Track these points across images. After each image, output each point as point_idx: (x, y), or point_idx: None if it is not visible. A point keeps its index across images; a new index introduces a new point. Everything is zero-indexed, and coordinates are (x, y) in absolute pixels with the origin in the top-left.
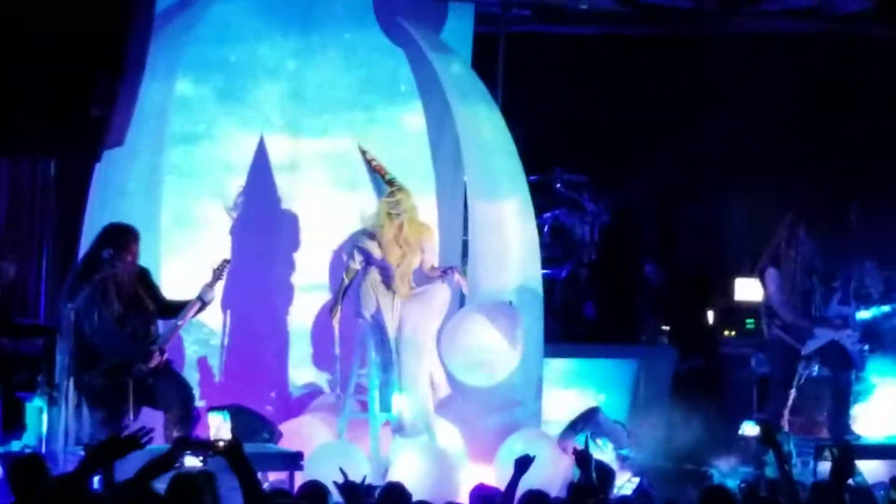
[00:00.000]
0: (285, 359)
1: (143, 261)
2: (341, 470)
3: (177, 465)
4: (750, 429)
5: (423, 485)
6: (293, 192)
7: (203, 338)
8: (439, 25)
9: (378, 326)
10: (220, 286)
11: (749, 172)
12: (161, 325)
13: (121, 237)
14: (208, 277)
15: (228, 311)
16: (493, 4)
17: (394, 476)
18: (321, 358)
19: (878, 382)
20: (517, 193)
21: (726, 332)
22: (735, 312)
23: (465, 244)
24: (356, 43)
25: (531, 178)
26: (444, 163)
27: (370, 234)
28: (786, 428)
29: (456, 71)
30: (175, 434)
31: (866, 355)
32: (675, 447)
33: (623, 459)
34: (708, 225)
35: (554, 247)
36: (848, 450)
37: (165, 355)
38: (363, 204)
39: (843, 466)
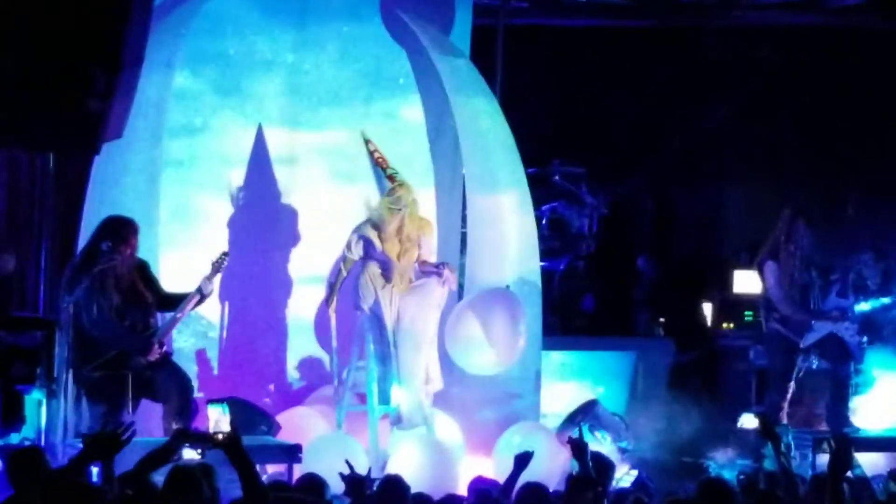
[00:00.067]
0: (284, 351)
1: (142, 253)
2: (347, 462)
3: (175, 457)
4: (748, 421)
5: (421, 477)
6: (291, 185)
7: (201, 330)
8: (438, 18)
9: (376, 319)
10: (218, 279)
11: (747, 165)
12: (160, 318)
13: (120, 230)
14: (207, 270)
15: (227, 304)
16: None
17: (392, 468)
18: (320, 350)
19: (878, 375)
20: (516, 186)
21: (725, 325)
22: (733, 305)
23: (463, 237)
24: (354, 36)
25: (529, 170)
26: (442, 155)
27: (374, 225)
28: (784, 420)
29: (454, 63)
30: (174, 426)
31: (865, 347)
32: (673, 439)
33: (621, 452)
34: (706, 217)
35: (552, 239)
36: (846, 442)
37: (164, 348)
38: (362, 197)
39: (841, 459)
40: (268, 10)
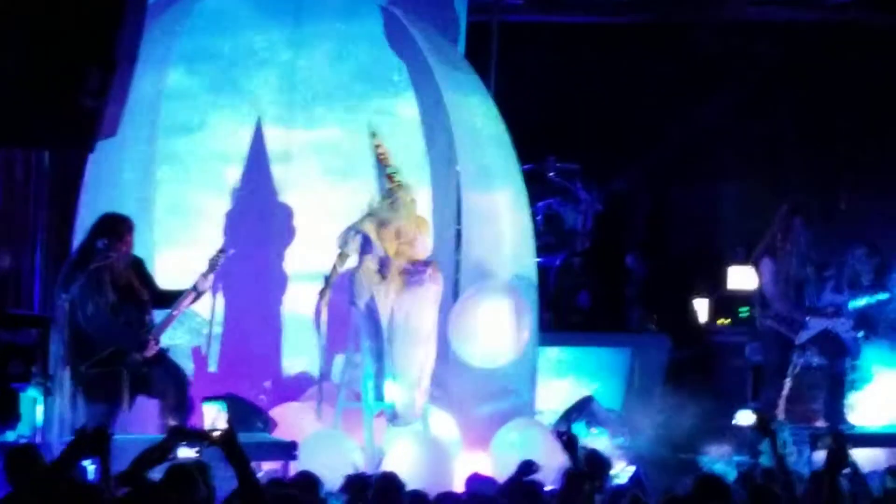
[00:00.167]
0: (279, 348)
1: (138, 251)
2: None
3: (171, 456)
4: (744, 418)
5: (417, 474)
6: (287, 183)
7: (197, 327)
8: (432, 14)
9: (371, 315)
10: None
11: (743, 161)
12: (155, 315)
13: (115, 227)
14: (203, 267)
15: (222, 301)
16: None
17: (388, 465)
18: (316, 347)
19: (877, 371)
20: (510, 183)
21: (720, 321)
22: (729, 301)
23: (458, 233)
24: (349, 33)
25: (524, 166)
26: (437, 152)
27: (372, 221)
28: (781, 417)
29: (449, 60)
30: (170, 422)
31: (861, 343)
32: (669, 436)
33: (617, 448)
34: (701, 213)
35: (547, 235)
36: (841, 439)
37: (160, 344)
38: (357, 194)
39: (837, 456)
40: (263, 7)
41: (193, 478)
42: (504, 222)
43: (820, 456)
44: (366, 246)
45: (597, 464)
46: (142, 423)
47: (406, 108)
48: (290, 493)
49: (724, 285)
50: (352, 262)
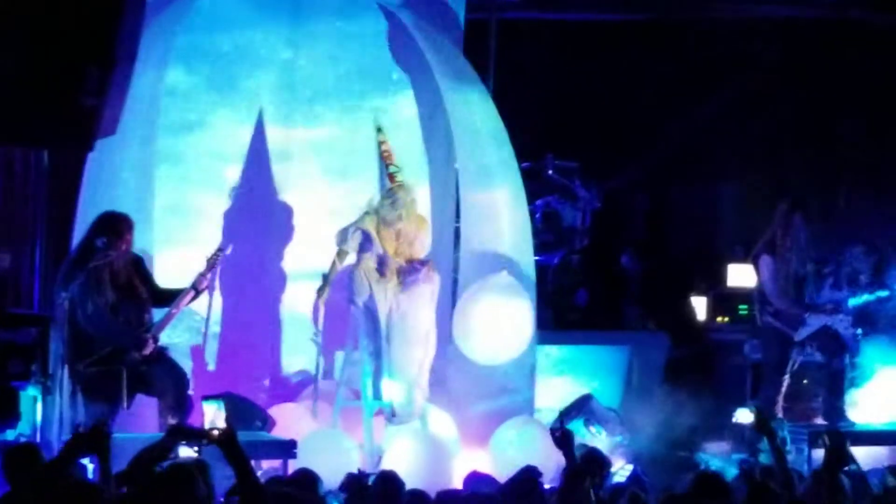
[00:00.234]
0: (278, 347)
1: (137, 249)
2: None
3: (172, 455)
4: (743, 416)
5: (416, 472)
6: (286, 182)
7: (196, 326)
8: (430, 13)
9: (370, 314)
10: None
11: (741, 158)
12: (154, 314)
13: (115, 226)
14: (202, 266)
15: (221, 299)
16: None
17: (387, 464)
18: (314, 345)
19: (878, 368)
20: (509, 181)
21: (719, 319)
22: (728, 299)
23: (457, 231)
24: (348, 32)
25: (523, 164)
26: (436, 151)
27: (373, 219)
28: (780, 414)
29: (447, 58)
30: (169, 421)
31: (860, 339)
32: (668, 434)
33: (616, 447)
34: (701, 211)
35: (546, 233)
36: (839, 438)
37: (159, 343)
38: (356, 192)
39: (836, 454)
40: (262, 6)
41: (193, 476)
42: (502, 220)
43: (819, 454)
44: (365, 243)
45: (596, 462)
46: (141, 421)
47: (405, 107)
48: (290, 492)
49: (724, 284)
50: (350, 259)
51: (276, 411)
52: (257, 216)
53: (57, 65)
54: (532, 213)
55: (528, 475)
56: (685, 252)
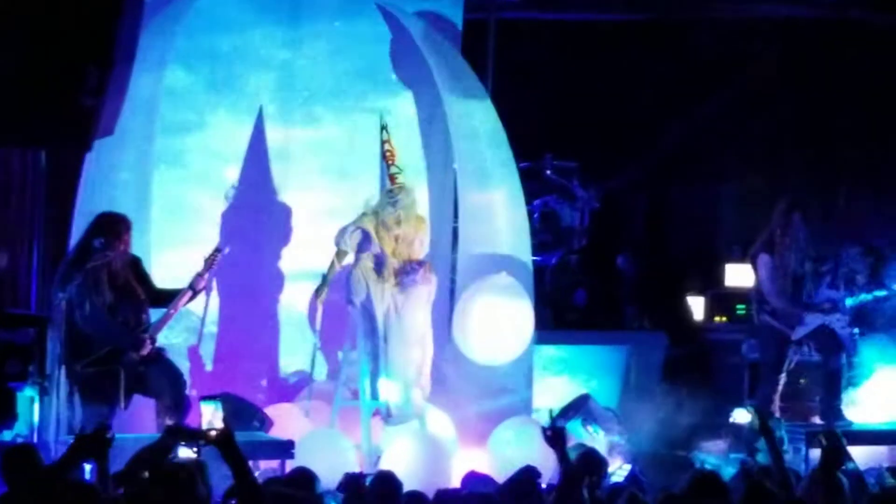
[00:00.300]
0: (276, 347)
1: (135, 250)
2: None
3: (171, 456)
4: (741, 415)
5: (414, 472)
6: (285, 182)
7: (193, 326)
8: (429, 12)
9: (367, 314)
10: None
11: (740, 158)
12: (152, 314)
13: (112, 226)
14: (200, 266)
15: (219, 300)
16: None
17: (385, 464)
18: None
19: (876, 368)
20: (507, 181)
21: (717, 318)
22: (726, 298)
23: (455, 231)
24: (347, 32)
25: (521, 164)
26: (434, 151)
27: (376, 219)
28: (777, 414)
29: (446, 58)
30: (167, 421)
31: (856, 339)
32: (666, 434)
33: (614, 446)
34: (699, 211)
35: (544, 233)
36: (835, 438)
37: (156, 343)
38: (355, 193)
39: (833, 454)
40: (261, 6)
41: (192, 476)
42: (501, 220)
43: (816, 453)
44: (364, 243)
45: (594, 462)
46: (139, 422)
47: (403, 107)
48: (287, 492)
49: (722, 284)
50: (349, 259)
51: (273, 411)
52: (256, 216)
53: (56, 65)
54: (530, 214)
55: (527, 475)
56: (684, 252)
